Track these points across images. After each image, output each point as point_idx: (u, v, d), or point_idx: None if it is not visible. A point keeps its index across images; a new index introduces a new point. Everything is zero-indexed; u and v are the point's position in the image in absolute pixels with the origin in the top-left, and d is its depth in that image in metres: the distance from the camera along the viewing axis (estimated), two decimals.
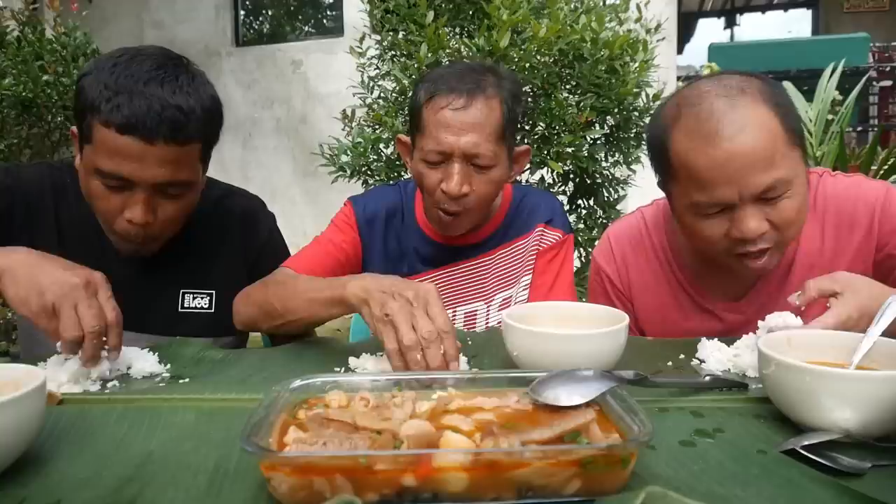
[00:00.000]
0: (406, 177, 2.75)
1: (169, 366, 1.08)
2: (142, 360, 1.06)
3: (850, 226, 1.24)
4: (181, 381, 1.02)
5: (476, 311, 1.50)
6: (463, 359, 1.06)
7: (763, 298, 1.29)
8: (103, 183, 1.19)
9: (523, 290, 1.50)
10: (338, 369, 1.05)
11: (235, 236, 1.45)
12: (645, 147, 2.83)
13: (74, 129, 1.24)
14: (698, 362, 1.08)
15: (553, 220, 1.52)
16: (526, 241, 1.51)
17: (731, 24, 10.29)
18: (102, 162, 1.16)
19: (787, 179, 1.09)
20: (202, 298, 1.40)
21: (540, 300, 1.43)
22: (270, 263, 1.40)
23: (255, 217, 1.50)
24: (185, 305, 1.39)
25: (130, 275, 1.34)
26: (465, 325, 1.49)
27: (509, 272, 1.50)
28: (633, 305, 1.38)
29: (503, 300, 1.50)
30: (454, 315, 1.48)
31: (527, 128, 2.67)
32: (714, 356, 1.06)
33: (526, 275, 1.50)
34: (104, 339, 0.99)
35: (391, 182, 2.64)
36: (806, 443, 0.73)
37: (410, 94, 1.44)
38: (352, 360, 1.07)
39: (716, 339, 1.11)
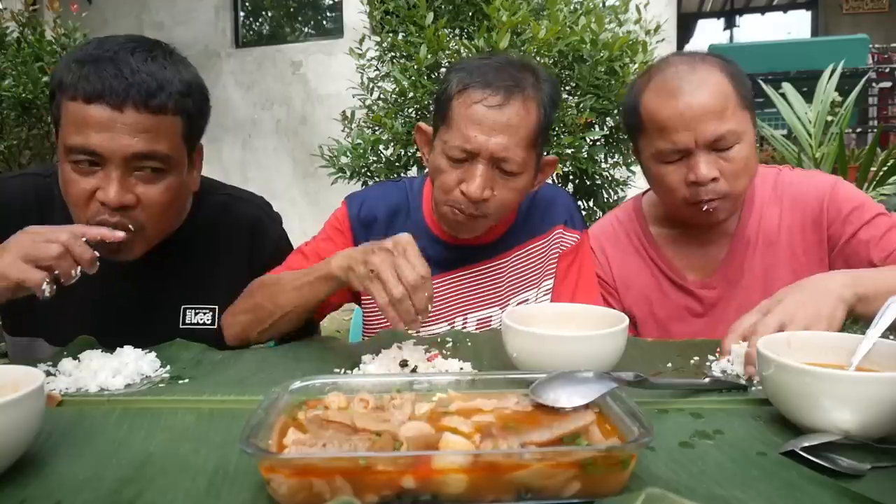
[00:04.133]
0: (405, 175, 2.76)
1: (168, 367, 1.08)
2: (141, 362, 1.06)
3: (802, 210, 1.39)
4: (181, 382, 1.02)
5: (490, 317, 1.41)
6: (457, 363, 1.06)
7: (730, 274, 1.42)
8: (74, 167, 1.11)
9: (544, 294, 1.42)
10: (337, 370, 1.05)
11: (241, 247, 1.38)
12: None
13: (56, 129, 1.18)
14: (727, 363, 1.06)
15: (570, 220, 1.45)
16: (544, 243, 1.43)
17: (730, 25, 10.29)
18: (71, 138, 1.09)
19: (737, 132, 1.27)
20: (204, 314, 1.34)
21: None
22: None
23: (263, 226, 1.43)
24: (187, 322, 1.33)
25: (127, 290, 1.28)
26: (478, 332, 1.39)
27: (526, 275, 1.42)
28: (619, 294, 1.49)
29: (519, 304, 1.41)
30: (465, 322, 1.40)
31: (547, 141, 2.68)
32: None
33: (547, 279, 1.43)
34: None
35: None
36: (805, 444, 0.73)
37: (440, 84, 1.35)
38: (364, 367, 1.06)
39: (735, 345, 1.09)
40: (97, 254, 1.03)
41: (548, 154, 2.66)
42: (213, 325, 1.34)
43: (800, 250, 1.38)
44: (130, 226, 1.14)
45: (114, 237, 1.08)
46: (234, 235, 1.38)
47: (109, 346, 1.13)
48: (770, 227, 1.41)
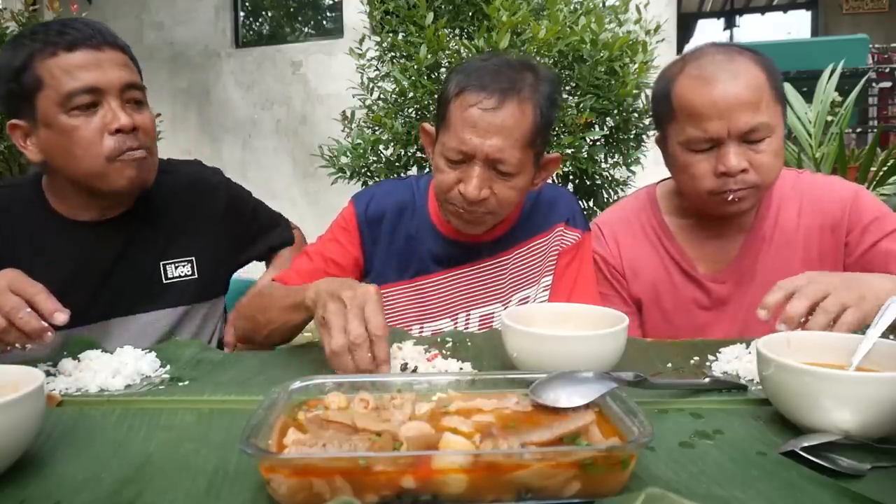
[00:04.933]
0: (406, 175, 2.76)
1: (168, 367, 1.08)
2: (141, 362, 1.06)
3: (822, 213, 1.39)
4: (180, 382, 1.02)
5: (493, 313, 1.43)
6: (457, 363, 1.06)
7: (742, 270, 1.41)
8: (75, 113, 1.21)
9: (543, 291, 1.44)
10: None
11: (196, 204, 1.47)
12: (644, 148, 2.86)
13: (14, 122, 1.25)
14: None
15: (571, 218, 1.46)
16: (545, 241, 1.45)
17: (730, 25, 10.29)
18: (66, 85, 1.20)
19: (769, 126, 1.27)
20: (184, 266, 1.42)
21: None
22: (250, 215, 1.56)
23: (205, 179, 1.52)
24: (170, 276, 1.41)
25: (106, 262, 1.35)
26: (479, 328, 1.42)
27: (527, 272, 1.44)
28: (626, 280, 1.48)
29: (520, 301, 1.43)
30: (468, 318, 1.42)
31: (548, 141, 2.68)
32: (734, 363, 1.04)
33: (547, 276, 1.44)
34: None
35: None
36: (805, 444, 0.73)
37: (442, 83, 1.38)
38: None
39: (734, 346, 1.11)
40: (46, 324, 0.98)
41: (549, 153, 2.67)
42: (194, 274, 1.43)
43: (815, 253, 1.38)
44: (145, 147, 1.28)
45: (55, 320, 0.99)
46: (184, 194, 1.46)
47: (99, 317, 1.29)
48: (787, 226, 1.40)
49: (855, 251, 1.34)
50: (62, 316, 0.98)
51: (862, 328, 0.99)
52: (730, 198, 1.29)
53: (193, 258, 1.43)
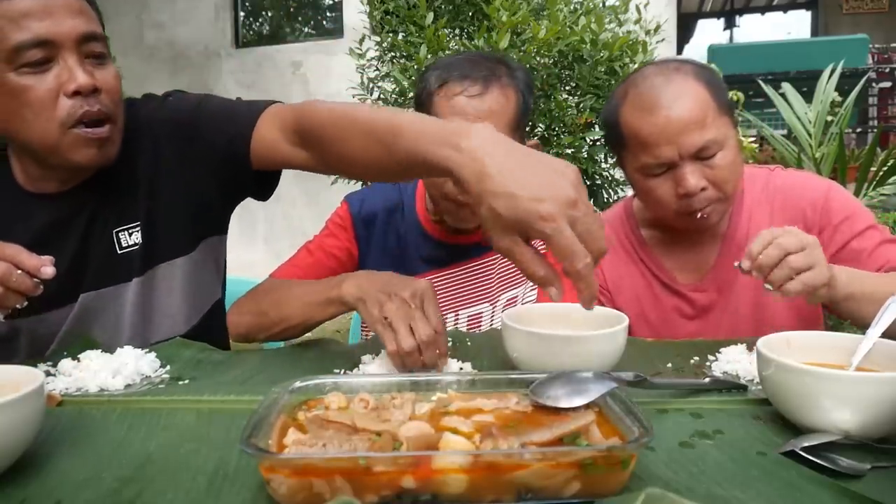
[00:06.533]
0: None
1: (168, 367, 1.08)
2: (141, 362, 1.06)
3: (793, 212, 1.38)
4: (181, 382, 1.02)
5: (481, 312, 1.43)
6: (457, 363, 1.06)
7: (721, 278, 1.41)
8: (25, 71, 1.05)
9: (531, 290, 1.43)
10: (337, 371, 1.05)
11: (152, 149, 1.23)
12: None
13: None
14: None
15: None
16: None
17: (730, 25, 10.30)
18: (14, 36, 1.03)
19: (719, 140, 1.26)
20: (137, 233, 1.22)
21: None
22: (213, 122, 1.23)
23: (148, 113, 1.25)
24: (123, 246, 1.22)
25: (70, 239, 1.19)
26: (468, 328, 1.43)
27: (514, 272, 1.43)
28: (610, 294, 1.48)
29: (508, 300, 1.43)
30: (457, 318, 1.42)
31: (526, 129, 2.68)
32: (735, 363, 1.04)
33: None
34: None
35: None
36: (805, 444, 0.73)
37: (416, 86, 1.40)
38: (364, 367, 1.06)
39: (736, 346, 1.10)
40: (38, 280, 0.97)
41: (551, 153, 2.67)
42: (142, 239, 1.22)
43: None
44: (108, 113, 1.11)
45: (43, 275, 0.97)
46: (136, 141, 1.23)
47: (69, 299, 1.17)
48: (760, 229, 1.39)
49: (827, 251, 1.31)
50: (49, 269, 0.96)
51: (814, 293, 1.02)
52: (698, 216, 1.30)
53: (140, 222, 1.22)
